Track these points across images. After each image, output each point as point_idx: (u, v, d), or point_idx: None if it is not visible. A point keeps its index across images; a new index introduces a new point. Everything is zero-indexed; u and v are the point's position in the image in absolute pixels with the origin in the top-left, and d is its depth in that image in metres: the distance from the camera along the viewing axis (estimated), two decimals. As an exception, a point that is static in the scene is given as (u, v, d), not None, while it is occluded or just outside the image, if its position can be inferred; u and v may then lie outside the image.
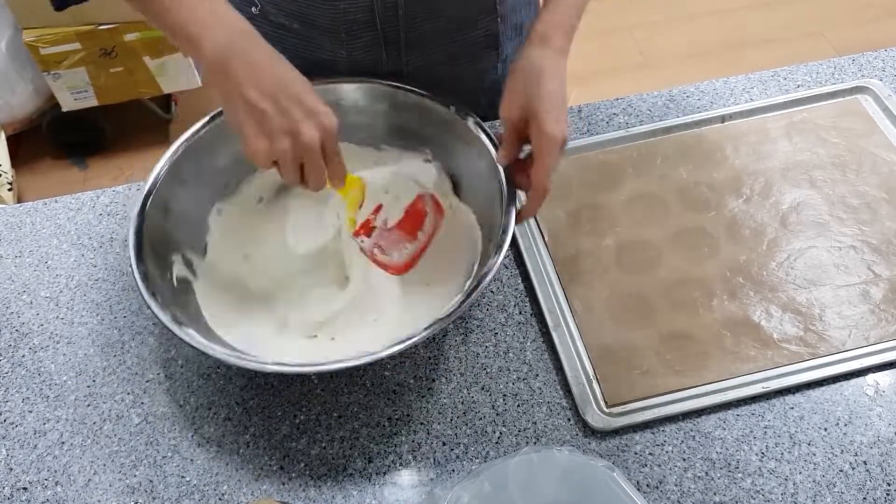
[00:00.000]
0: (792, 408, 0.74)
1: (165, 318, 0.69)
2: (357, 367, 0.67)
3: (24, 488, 0.73)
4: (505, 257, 0.74)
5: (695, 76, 1.12)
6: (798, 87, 1.00)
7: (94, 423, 0.77)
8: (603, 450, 0.73)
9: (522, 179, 0.75)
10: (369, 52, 0.88)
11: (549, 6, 0.77)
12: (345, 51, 0.87)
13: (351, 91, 0.85)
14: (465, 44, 0.91)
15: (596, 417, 0.74)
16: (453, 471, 0.72)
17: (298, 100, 0.62)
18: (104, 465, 0.74)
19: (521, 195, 0.79)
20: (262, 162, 0.63)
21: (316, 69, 0.89)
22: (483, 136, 0.80)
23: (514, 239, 0.86)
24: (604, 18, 2.43)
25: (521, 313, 0.82)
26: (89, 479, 0.73)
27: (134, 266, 0.73)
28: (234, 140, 0.66)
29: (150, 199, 0.77)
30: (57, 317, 0.84)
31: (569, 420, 0.75)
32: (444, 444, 0.74)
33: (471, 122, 0.81)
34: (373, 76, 0.86)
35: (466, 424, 0.75)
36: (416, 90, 0.84)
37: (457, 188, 0.86)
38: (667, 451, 0.72)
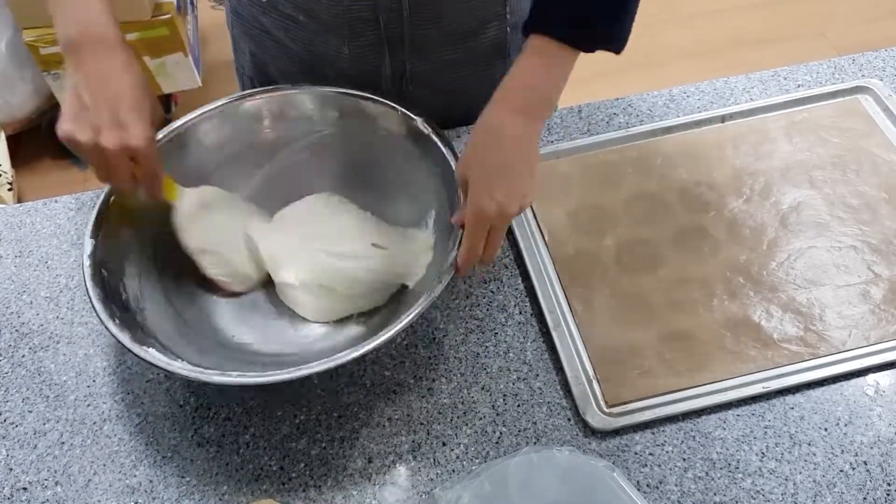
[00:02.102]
0: (792, 408, 0.74)
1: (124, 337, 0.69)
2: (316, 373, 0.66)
3: (24, 488, 0.73)
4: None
5: (695, 76, 1.12)
6: (798, 87, 1.00)
7: (94, 423, 0.77)
8: (603, 450, 0.73)
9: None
10: (372, 52, 0.87)
11: (517, 64, 0.70)
12: (347, 48, 0.87)
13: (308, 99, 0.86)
14: (472, 50, 0.90)
15: (596, 417, 0.74)
16: (453, 471, 0.72)
17: (115, 110, 0.66)
18: (104, 465, 0.74)
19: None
20: (65, 139, 0.68)
21: (321, 63, 0.90)
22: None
23: (514, 239, 0.86)
24: (604, 18, 2.43)
25: (521, 313, 0.82)
26: (89, 480, 0.73)
27: (89, 287, 0.71)
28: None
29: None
30: (57, 317, 0.84)
31: (569, 420, 0.75)
32: (444, 444, 0.74)
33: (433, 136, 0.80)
34: (373, 82, 0.87)
35: (466, 424, 0.75)
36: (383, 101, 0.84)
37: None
38: (667, 451, 0.72)
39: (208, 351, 0.75)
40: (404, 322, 0.67)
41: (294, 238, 0.83)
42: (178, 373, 0.67)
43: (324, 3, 0.83)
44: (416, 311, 0.68)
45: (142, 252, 0.78)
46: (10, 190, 1.93)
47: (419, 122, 0.81)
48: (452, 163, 0.77)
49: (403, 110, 0.82)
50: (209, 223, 0.80)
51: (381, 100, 0.83)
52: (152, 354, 0.67)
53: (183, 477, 0.73)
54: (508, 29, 0.90)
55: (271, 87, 0.87)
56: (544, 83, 0.69)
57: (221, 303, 0.81)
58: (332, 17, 0.84)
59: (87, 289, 0.71)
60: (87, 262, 0.72)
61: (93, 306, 0.70)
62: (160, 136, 0.81)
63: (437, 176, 0.80)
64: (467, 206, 0.69)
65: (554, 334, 0.79)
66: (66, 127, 0.67)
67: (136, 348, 0.67)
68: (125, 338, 0.68)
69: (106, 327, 0.68)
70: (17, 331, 0.84)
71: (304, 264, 0.81)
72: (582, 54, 0.69)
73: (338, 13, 0.84)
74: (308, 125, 0.86)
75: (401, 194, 0.85)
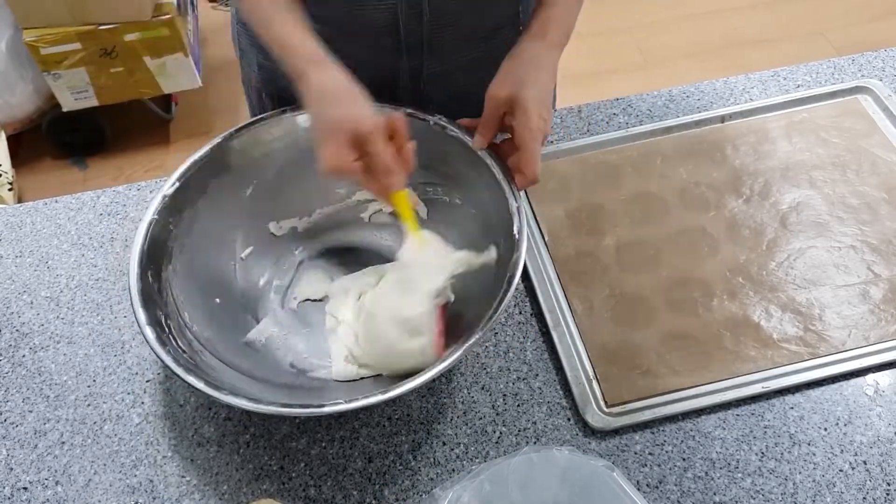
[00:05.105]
0: (792, 408, 0.75)
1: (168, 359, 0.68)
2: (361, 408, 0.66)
3: (25, 488, 0.73)
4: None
5: (695, 76, 1.12)
6: (798, 87, 1.00)
7: (95, 423, 0.77)
8: (603, 450, 0.73)
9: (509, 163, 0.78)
10: (389, 57, 0.87)
11: (547, 1, 0.79)
12: (365, 54, 0.87)
13: None
14: (487, 52, 0.90)
15: (596, 417, 0.74)
16: (453, 471, 0.72)
17: (340, 106, 0.70)
18: (104, 464, 0.74)
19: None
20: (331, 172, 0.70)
21: None
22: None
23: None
24: (604, 18, 2.43)
25: (521, 313, 0.82)
26: (89, 479, 0.73)
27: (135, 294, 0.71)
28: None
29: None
30: (57, 317, 0.84)
31: (569, 420, 0.75)
32: (444, 444, 0.74)
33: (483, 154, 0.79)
34: (390, 86, 0.86)
35: (466, 424, 0.75)
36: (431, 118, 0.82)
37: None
38: (667, 451, 0.73)
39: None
40: (453, 357, 0.66)
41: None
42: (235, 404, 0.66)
43: (342, 11, 0.83)
44: (466, 346, 0.67)
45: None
46: (10, 190, 1.93)
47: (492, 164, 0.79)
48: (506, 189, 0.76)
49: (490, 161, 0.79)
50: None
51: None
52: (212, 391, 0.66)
53: (183, 477, 0.73)
54: (522, 29, 0.90)
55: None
56: (570, 19, 0.80)
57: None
58: (350, 25, 0.84)
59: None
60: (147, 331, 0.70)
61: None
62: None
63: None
64: (523, 126, 0.74)
65: (554, 334, 0.79)
66: (321, 151, 0.69)
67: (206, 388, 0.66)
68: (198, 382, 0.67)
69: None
70: (17, 331, 0.84)
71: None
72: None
73: (356, 21, 0.83)
74: None
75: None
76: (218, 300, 0.79)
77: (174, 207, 0.77)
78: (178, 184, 0.77)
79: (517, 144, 0.74)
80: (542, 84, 0.76)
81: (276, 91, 0.96)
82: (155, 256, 0.74)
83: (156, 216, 0.75)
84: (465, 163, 0.81)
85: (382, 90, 0.87)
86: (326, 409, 0.65)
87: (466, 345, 0.67)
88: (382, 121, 0.69)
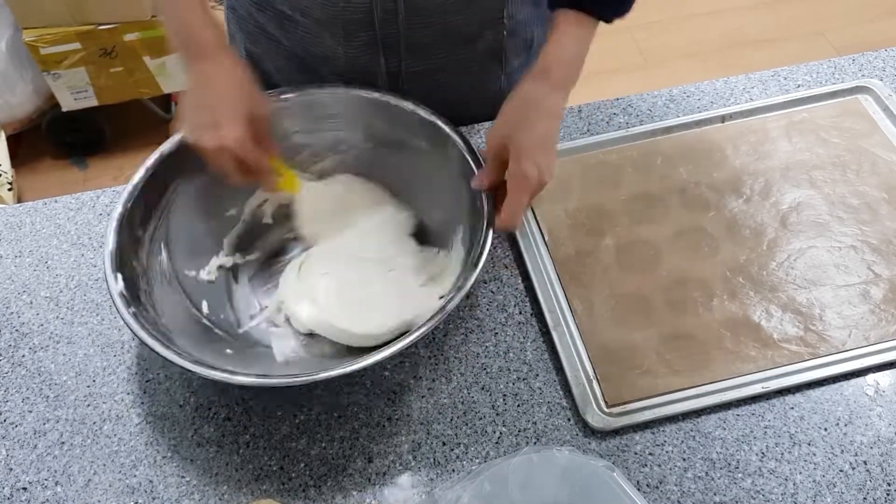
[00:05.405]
0: (792, 408, 0.74)
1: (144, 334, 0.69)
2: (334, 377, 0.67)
3: (24, 488, 0.73)
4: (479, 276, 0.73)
5: (695, 76, 1.12)
6: (798, 87, 1.00)
7: (94, 423, 0.77)
8: (603, 450, 0.73)
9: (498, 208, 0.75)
10: (367, 53, 0.87)
11: (553, 40, 0.74)
12: (342, 48, 0.87)
13: (334, 98, 0.86)
14: (467, 55, 0.90)
15: (596, 417, 0.74)
16: (453, 471, 0.72)
17: (213, 111, 0.73)
18: (104, 465, 0.74)
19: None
20: (186, 140, 0.76)
21: (317, 62, 0.90)
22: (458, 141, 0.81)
23: (514, 239, 0.86)
24: (604, 18, 2.43)
25: (521, 313, 0.82)
26: (89, 480, 0.73)
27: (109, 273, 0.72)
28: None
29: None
30: (57, 317, 0.84)
31: (569, 420, 0.75)
32: (444, 444, 0.74)
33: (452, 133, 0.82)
34: (369, 82, 0.87)
35: (466, 424, 0.75)
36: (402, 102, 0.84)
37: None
38: (667, 451, 0.72)
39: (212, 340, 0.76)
40: (428, 325, 0.68)
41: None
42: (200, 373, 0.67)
43: (318, 2, 0.83)
44: (442, 314, 0.69)
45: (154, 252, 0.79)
46: (10, 190, 1.93)
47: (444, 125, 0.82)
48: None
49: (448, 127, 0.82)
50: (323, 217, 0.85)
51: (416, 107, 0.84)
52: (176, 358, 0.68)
53: (183, 477, 0.73)
54: (505, 33, 0.90)
55: (299, 86, 0.87)
56: (577, 59, 0.74)
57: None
58: (327, 18, 0.84)
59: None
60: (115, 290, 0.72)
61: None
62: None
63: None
64: (511, 172, 0.72)
65: (554, 334, 0.79)
66: (182, 130, 0.76)
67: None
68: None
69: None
70: (17, 331, 0.84)
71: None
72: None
73: (334, 14, 0.84)
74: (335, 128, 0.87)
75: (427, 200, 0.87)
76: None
77: (124, 259, 0.75)
78: (114, 243, 0.74)
79: (507, 188, 0.73)
80: (538, 128, 0.72)
81: (261, 76, 0.96)
82: (132, 303, 0.72)
83: (117, 272, 0.73)
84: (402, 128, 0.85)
85: (362, 85, 0.88)
86: (363, 364, 0.66)
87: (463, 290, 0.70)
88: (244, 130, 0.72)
